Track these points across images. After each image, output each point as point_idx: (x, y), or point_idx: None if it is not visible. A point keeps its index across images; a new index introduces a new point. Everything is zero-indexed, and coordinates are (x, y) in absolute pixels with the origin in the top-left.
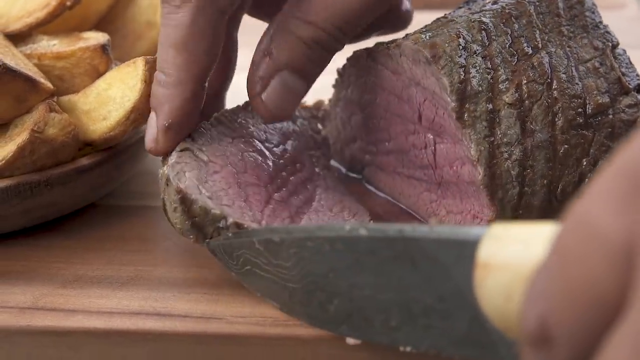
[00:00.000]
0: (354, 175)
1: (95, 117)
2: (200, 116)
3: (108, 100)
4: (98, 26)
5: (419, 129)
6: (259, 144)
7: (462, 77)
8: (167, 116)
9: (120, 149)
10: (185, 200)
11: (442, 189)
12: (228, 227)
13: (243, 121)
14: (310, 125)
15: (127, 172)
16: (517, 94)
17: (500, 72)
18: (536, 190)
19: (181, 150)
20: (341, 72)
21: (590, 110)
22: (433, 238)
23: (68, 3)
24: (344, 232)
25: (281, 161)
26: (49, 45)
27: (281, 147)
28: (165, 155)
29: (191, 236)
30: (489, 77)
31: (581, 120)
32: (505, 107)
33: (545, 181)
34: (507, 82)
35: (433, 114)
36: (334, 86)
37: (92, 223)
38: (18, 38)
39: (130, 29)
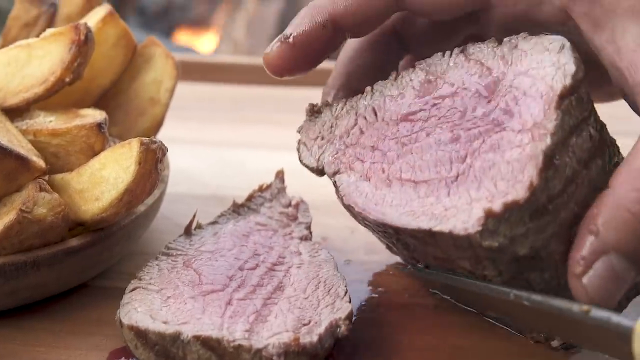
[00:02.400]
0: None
1: (87, 197)
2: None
3: (101, 180)
4: (100, 101)
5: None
6: (210, 256)
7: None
8: (293, 28)
9: (112, 231)
10: (139, 334)
11: (454, 185)
12: (189, 342)
13: (187, 245)
14: (279, 201)
15: (119, 253)
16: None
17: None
18: (569, 207)
19: (131, 291)
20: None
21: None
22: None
23: (67, 79)
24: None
25: (240, 259)
26: (45, 121)
27: (238, 247)
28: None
29: None
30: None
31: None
32: (589, 128)
33: (574, 208)
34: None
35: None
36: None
37: (81, 305)
38: (15, 113)
39: (133, 105)
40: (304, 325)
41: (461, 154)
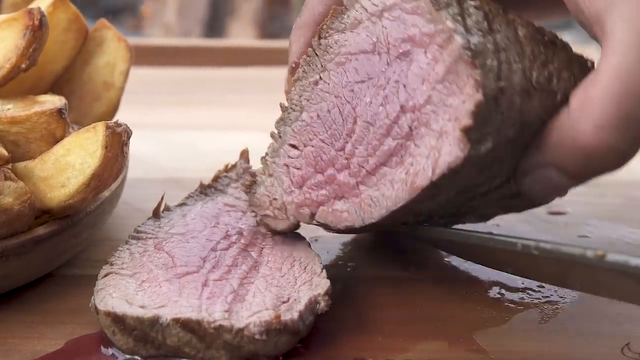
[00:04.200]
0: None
1: (53, 184)
2: None
3: (67, 166)
4: (54, 87)
5: (387, 73)
6: (182, 238)
7: None
8: (292, 55)
9: (79, 217)
10: (117, 319)
11: (413, 139)
12: (169, 325)
13: (157, 228)
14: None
15: (85, 240)
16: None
17: None
18: (513, 69)
19: (104, 277)
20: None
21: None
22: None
23: (23, 66)
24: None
25: (212, 240)
26: (3, 109)
27: (209, 229)
28: None
29: (143, 352)
30: None
31: (540, 38)
32: (472, 8)
33: (519, 66)
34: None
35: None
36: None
37: (49, 294)
38: None
39: (86, 90)
40: (283, 302)
41: (395, 111)
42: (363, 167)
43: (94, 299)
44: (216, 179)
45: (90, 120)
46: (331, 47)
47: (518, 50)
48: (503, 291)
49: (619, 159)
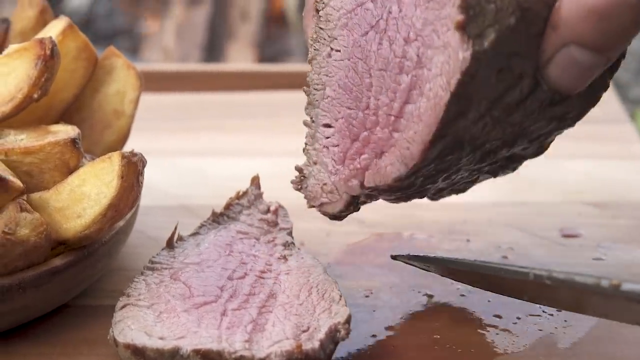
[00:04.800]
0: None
1: (69, 214)
2: None
3: (82, 197)
4: (64, 116)
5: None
6: (197, 267)
7: None
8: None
9: (94, 248)
10: (137, 352)
11: (422, 66)
12: (189, 356)
13: (171, 258)
14: (257, 208)
15: (101, 270)
16: None
17: None
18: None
19: (121, 308)
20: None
21: None
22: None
23: (35, 95)
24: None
25: (227, 268)
26: (16, 140)
27: (223, 257)
28: None
29: None
30: None
31: None
32: None
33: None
34: None
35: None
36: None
37: (66, 326)
38: None
39: (97, 118)
40: (304, 331)
41: (401, 47)
42: (390, 115)
43: (113, 331)
44: (228, 206)
45: (101, 149)
46: (330, 15)
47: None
48: (522, 315)
49: (635, 13)
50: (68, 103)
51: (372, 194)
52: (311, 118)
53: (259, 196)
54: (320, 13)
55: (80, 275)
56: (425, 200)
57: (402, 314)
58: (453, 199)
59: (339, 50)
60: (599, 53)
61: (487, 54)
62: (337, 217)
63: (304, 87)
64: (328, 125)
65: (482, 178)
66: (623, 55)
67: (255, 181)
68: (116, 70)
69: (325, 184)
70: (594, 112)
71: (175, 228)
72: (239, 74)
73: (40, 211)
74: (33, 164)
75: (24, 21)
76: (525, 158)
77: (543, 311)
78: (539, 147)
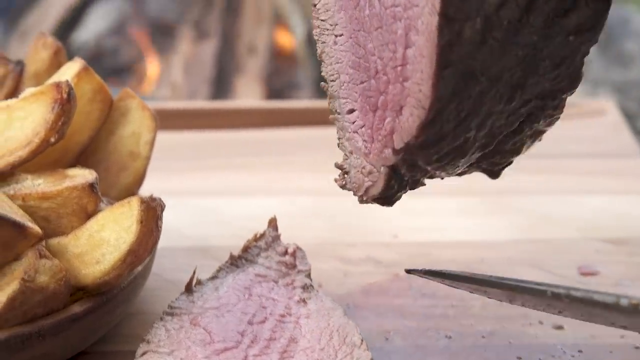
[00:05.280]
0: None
1: (87, 260)
2: None
3: (101, 242)
4: (79, 158)
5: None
6: (216, 312)
7: None
8: None
9: (113, 293)
10: None
11: (410, 4)
12: None
13: (190, 303)
14: (275, 250)
15: (119, 315)
16: None
17: None
18: None
19: (142, 355)
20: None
21: None
22: None
23: (52, 139)
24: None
25: (247, 313)
26: (33, 184)
27: (242, 301)
28: None
29: None
30: None
31: None
32: None
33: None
34: None
35: None
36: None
37: None
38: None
39: (113, 160)
40: None
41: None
42: (396, 67)
43: None
44: (246, 249)
45: (117, 191)
46: (327, 3)
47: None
48: (543, 357)
49: None
50: (84, 145)
51: (409, 159)
52: (336, 111)
53: (277, 238)
54: (318, 5)
55: (99, 322)
56: (441, 238)
57: (422, 356)
58: (469, 236)
59: (342, 34)
60: None
61: None
62: (387, 198)
63: (322, 83)
64: (351, 111)
65: (527, 128)
66: None
67: (273, 223)
68: (131, 112)
69: (364, 167)
70: (608, 147)
71: (194, 272)
72: (249, 111)
73: (59, 257)
74: (51, 209)
75: (38, 63)
76: (562, 92)
77: (564, 351)
78: (572, 73)
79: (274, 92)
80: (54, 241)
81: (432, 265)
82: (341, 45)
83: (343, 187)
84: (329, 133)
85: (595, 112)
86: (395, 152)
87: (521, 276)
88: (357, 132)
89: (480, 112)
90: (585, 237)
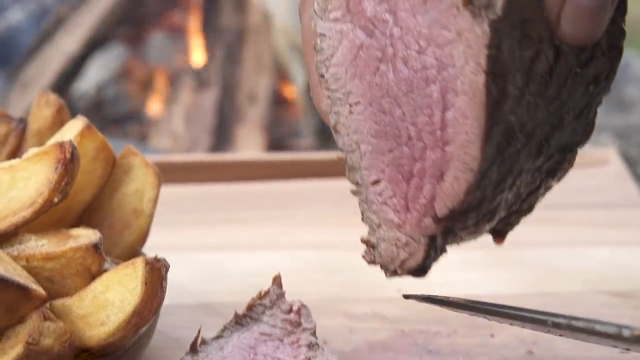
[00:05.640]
0: None
1: (92, 322)
2: None
3: (106, 303)
4: (82, 216)
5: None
6: None
7: None
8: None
9: (118, 355)
10: None
11: (444, 66)
12: None
13: None
14: (279, 307)
15: None
16: None
17: None
18: None
19: None
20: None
21: None
22: None
23: (56, 200)
24: None
25: None
26: (37, 245)
27: None
28: None
29: None
30: None
31: None
32: None
33: None
34: None
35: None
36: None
37: None
38: (2, 239)
39: (116, 218)
40: None
41: (415, 59)
42: (435, 131)
43: None
44: (250, 307)
45: (121, 249)
46: (337, 73)
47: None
48: None
49: None
50: (87, 204)
51: (450, 226)
52: (356, 182)
53: (281, 295)
54: (326, 76)
55: None
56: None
57: None
58: (474, 290)
59: (359, 102)
60: None
61: (503, 21)
62: (423, 269)
63: (338, 154)
64: (377, 182)
65: (544, 185)
66: None
67: (277, 280)
68: (134, 169)
69: (398, 240)
70: (611, 197)
71: (199, 332)
72: (251, 163)
73: (63, 318)
74: (55, 269)
75: (40, 121)
76: (577, 144)
77: None
78: (586, 126)
79: (275, 140)
80: (58, 302)
81: (439, 321)
82: (359, 114)
83: (371, 262)
84: (331, 185)
85: (598, 161)
86: (438, 220)
87: (527, 330)
88: (386, 204)
89: (514, 170)
90: (591, 290)
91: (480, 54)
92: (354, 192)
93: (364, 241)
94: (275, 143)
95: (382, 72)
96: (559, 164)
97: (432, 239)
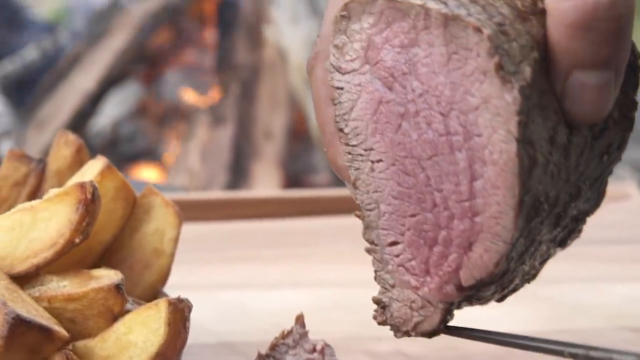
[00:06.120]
0: None
1: None
2: None
3: (129, 345)
4: (103, 257)
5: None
6: None
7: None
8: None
9: None
10: None
11: (471, 134)
12: None
13: None
14: (302, 347)
15: None
16: None
17: None
18: (496, 5)
19: None
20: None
21: None
22: None
23: (77, 240)
24: None
25: None
26: (59, 286)
27: None
28: None
29: None
30: None
31: None
32: None
33: (500, 2)
34: None
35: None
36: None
37: None
38: (24, 280)
39: (136, 258)
40: None
41: (440, 122)
42: (463, 201)
43: None
44: (273, 347)
45: (142, 289)
46: (357, 127)
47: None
48: None
49: (613, 8)
50: (107, 244)
51: (470, 294)
52: (372, 242)
53: (304, 335)
54: (346, 130)
55: None
56: None
57: None
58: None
59: (381, 160)
60: (604, 67)
61: (530, 89)
62: (436, 332)
63: (356, 212)
64: (394, 243)
65: (552, 253)
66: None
67: (300, 320)
68: (154, 209)
69: (413, 302)
70: (633, 232)
71: None
72: (269, 201)
73: None
74: (77, 310)
75: (59, 161)
76: (587, 214)
77: None
78: (598, 195)
79: (291, 176)
80: (81, 344)
81: (462, 359)
82: (380, 172)
83: (382, 323)
84: (349, 222)
85: (619, 196)
86: (461, 289)
87: None
88: (403, 266)
89: (535, 241)
90: (612, 326)
91: (510, 121)
92: (369, 250)
93: (375, 300)
94: (292, 179)
95: (404, 130)
96: (571, 233)
97: (450, 304)
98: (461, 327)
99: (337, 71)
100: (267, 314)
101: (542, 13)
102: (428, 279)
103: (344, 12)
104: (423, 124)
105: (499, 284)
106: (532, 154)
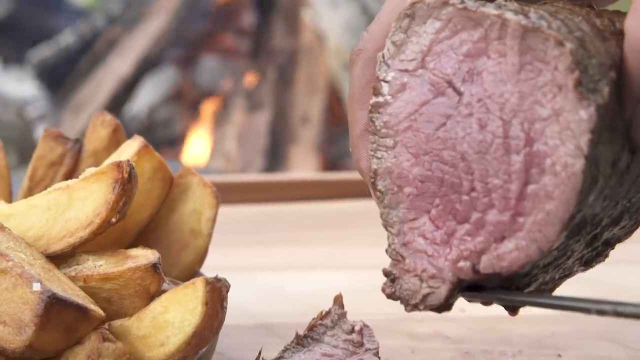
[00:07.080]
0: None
1: (151, 343)
2: None
3: (165, 324)
4: (140, 237)
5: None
6: None
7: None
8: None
9: None
10: None
11: (534, 142)
12: None
13: None
14: (341, 328)
15: None
16: None
17: None
18: (576, 21)
19: None
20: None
21: None
22: None
23: (113, 220)
24: None
25: None
26: (95, 266)
27: None
28: None
29: None
30: None
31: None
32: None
33: (579, 18)
34: None
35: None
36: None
37: None
38: (60, 259)
39: (173, 238)
40: None
41: (499, 126)
42: (509, 198)
43: None
44: (311, 328)
45: (179, 270)
46: (389, 122)
47: (569, 11)
48: None
49: None
50: (144, 224)
51: (480, 283)
52: (391, 220)
53: (343, 315)
54: (377, 123)
55: None
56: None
57: None
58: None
59: (406, 151)
60: None
61: (605, 109)
62: (445, 306)
63: (376, 194)
64: (416, 218)
65: (575, 271)
66: None
67: (338, 300)
68: (192, 189)
69: (424, 270)
70: None
71: (260, 353)
72: (307, 183)
73: (122, 339)
74: (113, 290)
75: (96, 141)
76: (619, 240)
77: None
78: (633, 225)
79: (329, 161)
80: (117, 323)
81: (504, 341)
82: (407, 161)
83: (391, 295)
84: None
85: None
86: (476, 272)
87: (595, 350)
88: (424, 236)
89: (564, 256)
90: None
91: (582, 137)
92: (386, 225)
93: (385, 273)
94: (330, 163)
95: (448, 128)
96: (598, 255)
97: (458, 281)
98: (482, 289)
99: (387, 65)
100: (305, 295)
101: (620, 34)
102: (447, 250)
103: (409, 11)
104: (475, 125)
105: (514, 283)
106: (594, 174)
